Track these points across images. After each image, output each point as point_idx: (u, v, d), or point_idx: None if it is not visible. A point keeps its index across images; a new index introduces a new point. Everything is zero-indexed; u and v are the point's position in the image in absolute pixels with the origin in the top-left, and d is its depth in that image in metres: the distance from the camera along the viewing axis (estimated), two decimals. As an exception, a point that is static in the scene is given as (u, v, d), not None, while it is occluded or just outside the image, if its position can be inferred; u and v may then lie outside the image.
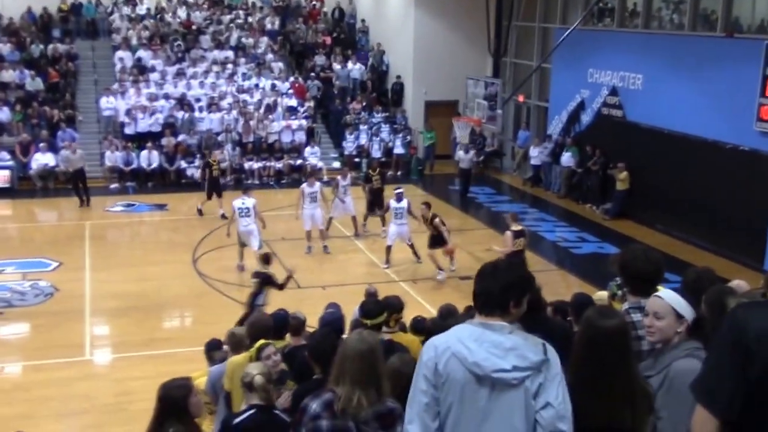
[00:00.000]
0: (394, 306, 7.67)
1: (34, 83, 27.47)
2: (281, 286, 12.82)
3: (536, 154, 25.29)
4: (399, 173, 27.11)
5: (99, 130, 26.85)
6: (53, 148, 24.66)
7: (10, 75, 27.59)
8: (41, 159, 24.23)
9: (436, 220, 16.38)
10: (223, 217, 19.48)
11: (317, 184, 18.85)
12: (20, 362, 12.90)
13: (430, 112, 29.05)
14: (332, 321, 7.90)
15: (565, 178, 24.11)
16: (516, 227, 14.97)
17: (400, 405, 4.07)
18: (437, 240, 16.55)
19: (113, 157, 24.89)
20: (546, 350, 3.50)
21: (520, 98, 27.02)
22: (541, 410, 3.43)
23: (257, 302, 12.35)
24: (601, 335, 3.68)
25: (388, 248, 17.40)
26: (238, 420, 5.24)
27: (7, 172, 23.87)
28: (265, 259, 13.27)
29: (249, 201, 16.92)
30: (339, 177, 20.02)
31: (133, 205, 22.77)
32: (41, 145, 24.43)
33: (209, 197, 21.09)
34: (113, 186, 24.37)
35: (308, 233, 18.34)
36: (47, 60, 28.80)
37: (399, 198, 17.53)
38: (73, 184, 22.48)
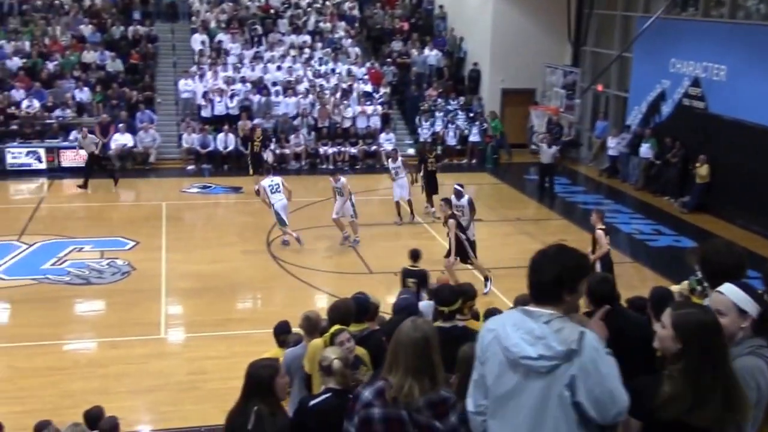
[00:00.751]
0: (468, 293, 7.63)
1: (114, 65, 27.97)
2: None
3: (614, 145, 24.81)
4: (474, 161, 26.88)
5: (177, 112, 27.21)
6: (132, 129, 25.12)
7: (91, 56, 28.13)
8: (120, 139, 24.69)
9: (450, 221, 14.71)
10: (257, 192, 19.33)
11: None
12: (97, 339, 13.13)
13: (507, 100, 28.73)
14: (407, 306, 7.81)
15: (642, 169, 23.59)
16: (602, 225, 14.46)
17: (454, 394, 4.16)
18: (461, 249, 14.82)
19: (190, 139, 25.22)
20: (581, 341, 3.45)
21: (599, 88, 26.50)
22: (575, 400, 3.44)
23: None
24: (705, 329, 3.52)
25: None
26: (313, 402, 5.22)
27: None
28: (415, 255, 12.78)
29: (276, 179, 17.60)
30: (389, 160, 20.07)
31: (208, 187, 23.05)
32: (120, 125, 24.89)
33: (254, 172, 21.68)
34: (189, 168, 24.70)
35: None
36: (127, 42, 29.28)
37: (459, 195, 16.17)
38: (86, 167, 22.64)
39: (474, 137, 27.28)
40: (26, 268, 16.08)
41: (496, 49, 28.17)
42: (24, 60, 27.56)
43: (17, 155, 24.17)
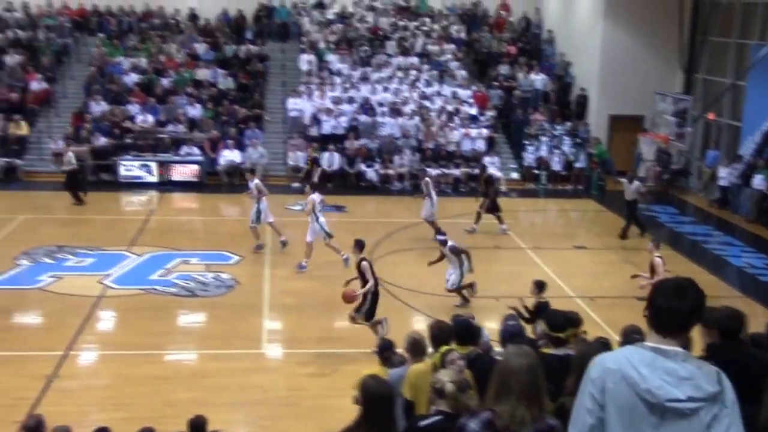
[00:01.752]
0: (574, 321, 7.46)
1: (225, 82, 28.70)
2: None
3: (725, 175, 24.04)
4: (579, 187, 26.48)
5: (284, 129, 27.68)
6: (240, 146, 25.68)
7: (204, 74, 28.94)
8: (228, 155, 25.26)
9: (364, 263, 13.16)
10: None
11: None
12: (200, 350, 13.38)
13: (614, 126, 28.23)
14: (517, 333, 7.69)
15: (755, 201, 22.77)
16: (658, 253, 14.53)
17: (559, 422, 4.05)
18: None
19: (295, 157, 25.61)
20: (720, 380, 3.37)
21: (711, 116, 25.78)
22: None
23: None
24: None
25: None
26: (424, 423, 5.17)
27: (196, 167, 25.02)
28: (540, 286, 12.18)
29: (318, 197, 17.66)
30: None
31: (312, 204, 23.27)
32: (229, 142, 25.48)
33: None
34: (294, 185, 25.03)
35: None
36: (239, 60, 30.00)
37: (444, 243, 15.40)
38: (70, 184, 22.54)
39: (580, 163, 26.88)
40: (135, 278, 16.55)
41: (605, 75, 27.76)
42: (140, 76, 28.54)
43: (130, 168, 24.98)
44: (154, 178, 24.92)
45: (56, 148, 24.71)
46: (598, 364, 3.53)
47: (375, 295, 13.05)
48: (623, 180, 21.40)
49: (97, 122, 26.15)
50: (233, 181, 25.11)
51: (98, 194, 23.12)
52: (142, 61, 29.30)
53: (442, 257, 15.48)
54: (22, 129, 25.96)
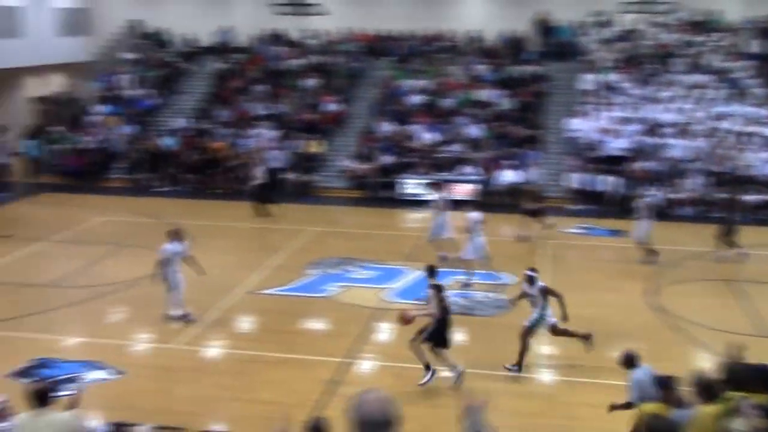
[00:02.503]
0: None
1: (505, 103, 28.80)
2: None
3: None
4: None
5: (562, 150, 27.28)
6: (518, 166, 25.63)
7: (484, 94, 29.24)
8: (506, 176, 25.28)
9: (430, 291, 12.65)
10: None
11: None
12: (469, 369, 13.30)
13: None
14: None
15: None
16: None
17: None
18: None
19: (575, 179, 25.12)
20: None
21: None
22: None
23: None
24: None
25: None
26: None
27: (473, 186, 25.27)
28: None
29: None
30: None
31: (590, 228, 22.75)
32: (507, 162, 25.50)
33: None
34: (573, 207, 24.57)
35: None
36: (519, 81, 30.01)
37: (531, 281, 13.38)
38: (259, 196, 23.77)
39: None
40: (413, 293, 16.90)
41: None
42: (424, 97, 29.40)
43: (411, 186, 25.73)
44: (432, 197, 25.40)
45: (346, 166, 26.15)
46: None
47: (442, 322, 12.32)
48: None
49: (384, 142, 27.24)
50: (511, 201, 25.06)
51: (381, 210, 24.14)
52: (426, 83, 30.16)
53: (524, 295, 13.69)
54: (317, 147, 27.67)
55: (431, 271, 13.00)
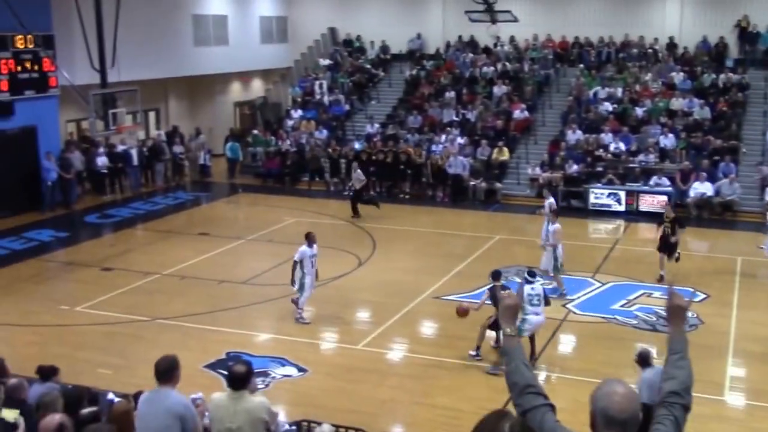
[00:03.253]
0: None
1: (701, 112, 27.97)
2: None
3: None
4: None
5: (762, 162, 26.13)
6: (712, 178, 24.82)
7: (679, 103, 28.50)
8: (699, 188, 24.55)
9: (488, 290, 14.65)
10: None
11: None
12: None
13: None
14: None
15: None
16: None
17: None
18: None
19: (776, 192, 24.06)
20: None
21: None
22: None
23: None
24: None
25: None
26: None
27: (665, 198, 24.69)
28: None
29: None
30: None
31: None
32: (701, 174, 24.75)
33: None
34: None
35: None
36: (717, 89, 29.01)
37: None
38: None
39: None
40: (597, 305, 16.91)
41: None
42: (615, 105, 28.98)
43: (599, 196, 25.49)
44: (621, 207, 25.14)
45: (533, 174, 26.23)
46: None
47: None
48: None
49: (572, 150, 27.09)
50: (702, 214, 24.37)
51: (567, 220, 23.88)
52: (618, 91, 29.72)
53: None
54: (504, 154, 27.89)
55: (495, 276, 14.21)
